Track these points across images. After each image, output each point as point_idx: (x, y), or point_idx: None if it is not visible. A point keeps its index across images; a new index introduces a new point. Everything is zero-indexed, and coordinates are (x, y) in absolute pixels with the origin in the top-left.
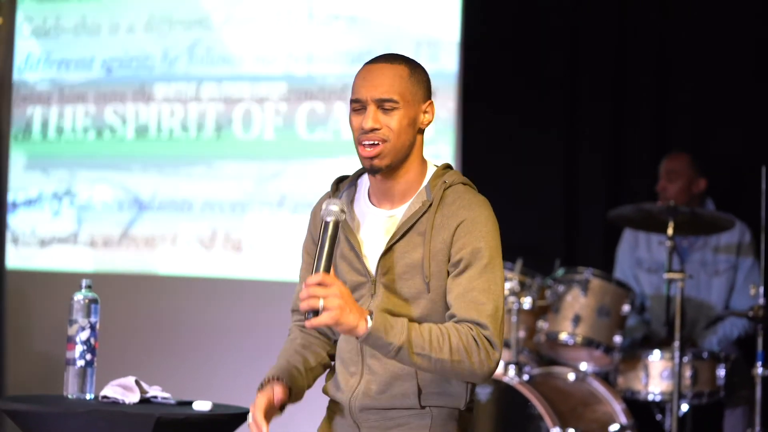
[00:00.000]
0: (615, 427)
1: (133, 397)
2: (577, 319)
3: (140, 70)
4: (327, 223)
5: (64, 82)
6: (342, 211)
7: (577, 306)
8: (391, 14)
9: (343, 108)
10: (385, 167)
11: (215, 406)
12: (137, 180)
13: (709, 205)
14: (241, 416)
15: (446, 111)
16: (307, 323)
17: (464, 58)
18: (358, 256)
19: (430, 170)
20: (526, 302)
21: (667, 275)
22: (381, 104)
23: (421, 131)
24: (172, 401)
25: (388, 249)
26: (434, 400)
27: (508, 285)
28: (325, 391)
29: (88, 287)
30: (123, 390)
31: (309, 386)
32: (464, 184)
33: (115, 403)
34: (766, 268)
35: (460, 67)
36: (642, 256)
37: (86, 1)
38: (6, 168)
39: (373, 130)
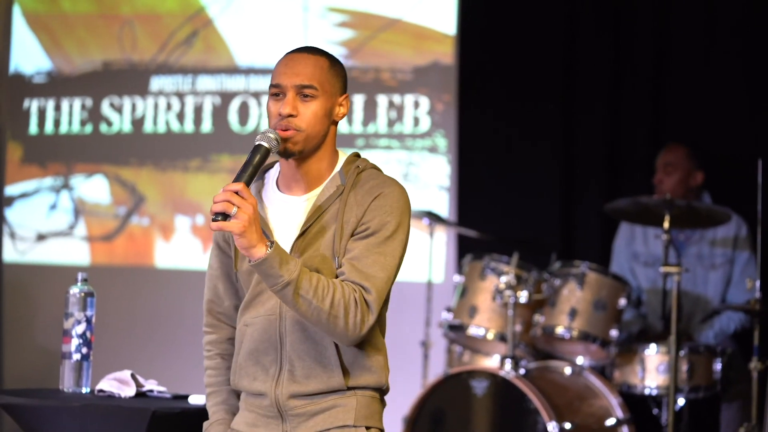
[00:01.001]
0: (611, 421)
1: (128, 391)
2: (573, 313)
3: (137, 63)
4: (259, 146)
5: (61, 75)
6: (276, 140)
7: (574, 300)
8: (388, 7)
9: None
10: (298, 153)
11: None
12: (134, 173)
13: (705, 198)
14: None
15: (443, 104)
16: (213, 225)
17: (461, 52)
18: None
19: (342, 158)
20: (523, 296)
21: (663, 269)
22: (301, 91)
23: (335, 123)
24: (168, 395)
25: (303, 232)
26: (357, 379)
27: (504, 278)
28: (236, 386)
29: (84, 281)
30: (119, 384)
31: None
32: (376, 168)
33: (111, 396)
34: (762, 262)
35: (457, 60)
36: (638, 249)
37: None
38: (3, 161)
39: (289, 116)
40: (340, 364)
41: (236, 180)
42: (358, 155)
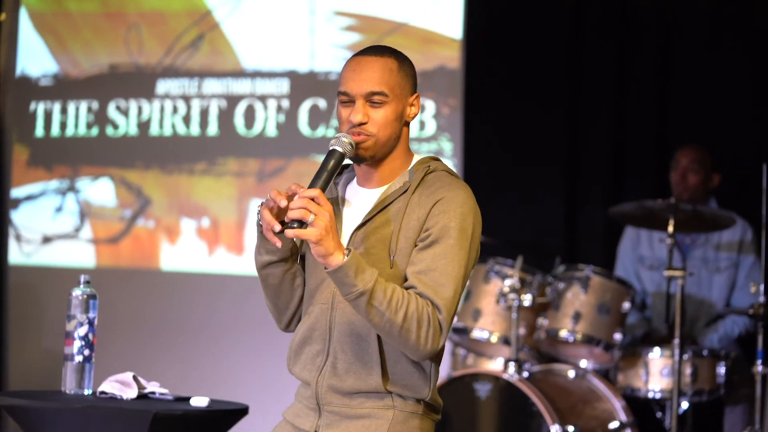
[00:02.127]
0: (615, 424)
1: (130, 393)
2: (577, 317)
3: (143, 66)
4: (333, 150)
5: (67, 77)
6: (350, 144)
7: (578, 303)
8: (394, 11)
9: None
10: (369, 158)
11: (212, 402)
12: (140, 176)
13: (712, 203)
14: (238, 412)
15: (449, 108)
16: (290, 232)
17: (467, 56)
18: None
19: (416, 158)
20: (527, 299)
21: (667, 272)
22: (370, 98)
23: (407, 124)
24: (170, 397)
25: (363, 224)
26: (397, 385)
27: (508, 282)
28: (289, 370)
29: (87, 283)
30: (121, 386)
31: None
32: (447, 171)
33: (113, 398)
34: (766, 266)
35: (463, 65)
36: (644, 253)
37: None
38: (9, 163)
39: (361, 124)
40: (381, 364)
41: (312, 185)
42: (435, 158)
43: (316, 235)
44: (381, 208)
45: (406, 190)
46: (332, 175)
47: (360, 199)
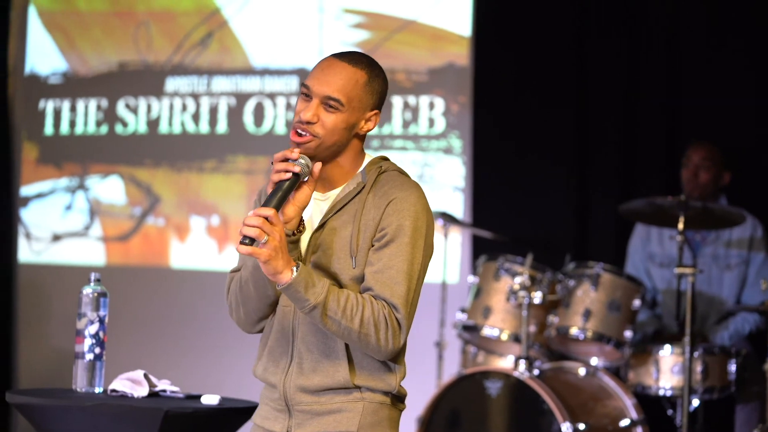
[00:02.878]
0: (625, 421)
1: (141, 391)
2: (587, 314)
3: (152, 64)
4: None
5: (76, 75)
6: (307, 166)
7: (588, 301)
8: (403, 8)
9: None
10: (311, 158)
11: (223, 399)
12: (149, 174)
13: (722, 200)
14: (248, 410)
15: (458, 105)
16: (242, 249)
17: (476, 53)
18: None
19: (367, 159)
20: (537, 297)
21: (677, 270)
22: (326, 101)
23: (359, 136)
24: (181, 395)
25: (320, 227)
26: (364, 378)
27: (518, 279)
28: (254, 374)
29: (97, 281)
30: (132, 384)
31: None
32: (399, 171)
33: (124, 396)
34: None
35: (472, 62)
36: (654, 250)
37: None
38: (18, 161)
39: (309, 123)
40: (348, 359)
41: (266, 204)
42: (385, 158)
43: (266, 255)
44: (338, 209)
45: (361, 191)
46: (287, 195)
47: (313, 204)
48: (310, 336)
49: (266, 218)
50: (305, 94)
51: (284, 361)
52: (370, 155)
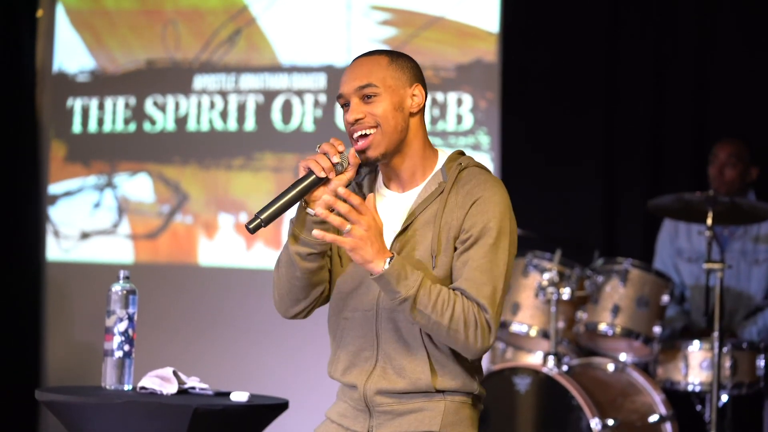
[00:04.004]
0: (654, 417)
1: (170, 388)
2: (616, 310)
3: (180, 61)
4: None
5: (104, 73)
6: (345, 159)
7: (617, 296)
8: (431, 5)
9: None
10: (380, 156)
11: (253, 396)
12: (177, 171)
13: (750, 195)
14: (278, 407)
15: (486, 102)
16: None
17: (504, 49)
18: None
19: (443, 156)
20: (565, 293)
21: (706, 265)
22: (361, 92)
23: (414, 114)
24: (210, 392)
25: (404, 229)
26: (446, 382)
27: (546, 275)
28: (332, 376)
29: (126, 278)
30: (161, 381)
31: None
32: (479, 167)
33: (153, 394)
34: None
35: (500, 58)
36: (682, 245)
37: None
38: (46, 160)
39: (357, 120)
40: (430, 365)
41: (285, 192)
42: (462, 153)
43: (350, 245)
44: (420, 212)
45: (442, 191)
46: (308, 190)
47: (389, 202)
48: (393, 342)
49: (354, 207)
50: (343, 105)
51: (368, 365)
52: (443, 150)
